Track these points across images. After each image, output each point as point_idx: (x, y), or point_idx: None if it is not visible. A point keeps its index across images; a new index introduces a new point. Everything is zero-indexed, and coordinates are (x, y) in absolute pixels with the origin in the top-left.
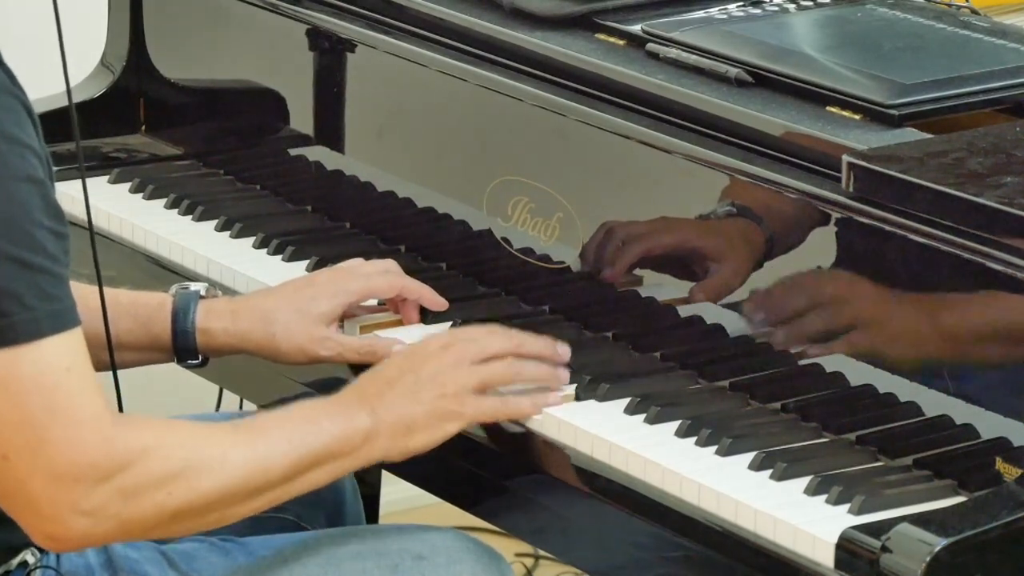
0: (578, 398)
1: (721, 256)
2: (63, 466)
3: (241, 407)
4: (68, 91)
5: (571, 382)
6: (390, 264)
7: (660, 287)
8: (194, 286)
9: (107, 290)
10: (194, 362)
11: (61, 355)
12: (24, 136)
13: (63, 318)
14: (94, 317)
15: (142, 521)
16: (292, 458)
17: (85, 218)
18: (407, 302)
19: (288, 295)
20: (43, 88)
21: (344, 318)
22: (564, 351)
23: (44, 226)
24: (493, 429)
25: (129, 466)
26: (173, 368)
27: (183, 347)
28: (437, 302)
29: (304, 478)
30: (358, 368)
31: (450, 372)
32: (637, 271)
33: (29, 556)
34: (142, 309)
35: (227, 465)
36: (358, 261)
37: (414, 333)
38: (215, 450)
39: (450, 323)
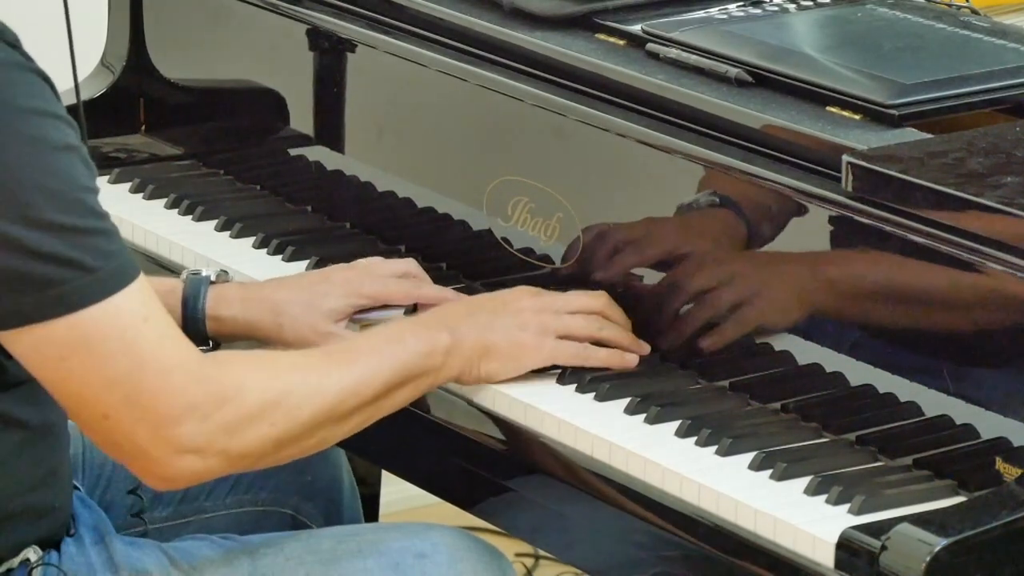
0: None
1: (720, 256)
2: (164, 413)
3: None
4: (76, 90)
5: (571, 382)
6: (410, 266)
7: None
8: (205, 271)
9: None
10: (205, 348)
11: (135, 307)
12: (52, 107)
13: (127, 272)
14: None
15: (249, 452)
16: (381, 377)
17: None
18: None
19: (302, 288)
20: None
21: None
22: (644, 346)
23: (89, 188)
24: (493, 428)
25: (228, 402)
26: None
27: (193, 333)
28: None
29: (393, 396)
30: None
31: (534, 313)
32: (637, 271)
33: (31, 554)
34: None
35: (323, 389)
36: (378, 261)
37: None
38: (310, 376)
39: None
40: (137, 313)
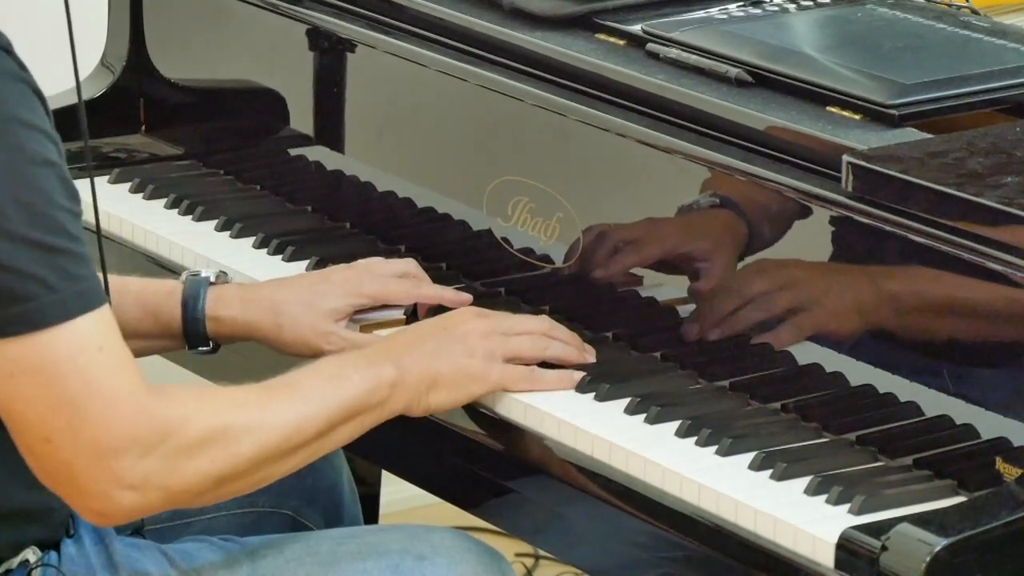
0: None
1: (720, 256)
2: (106, 443)
3: None
4: (78, 89)
5: None
6: (410, 266)
7: (660, 287)
8: (204, 272)
9: (117, 278)
10: (205, 349)
11: (92, 334)
12: (38, 120)
13: (90, 297)
14: None
15: (188, 489)
16: (325, 414)
17: (91, 218)
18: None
19: (301, 288)
20: (45, 88)
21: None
22: (590, 351)
23: (64, 208)
24: (493, 428)
25: (170, 436)
26: (171, 368)
27: (193, 334)
28: (460, 300)
29: (337, 432)
30: None
31: (480, 338)
32: (637, 271)
33: (30, 555)
34: (151, 297)
35: (265, 426)
36: (378, 260)
37: None
38: (252, 413)
39: None
40: (94, 340)
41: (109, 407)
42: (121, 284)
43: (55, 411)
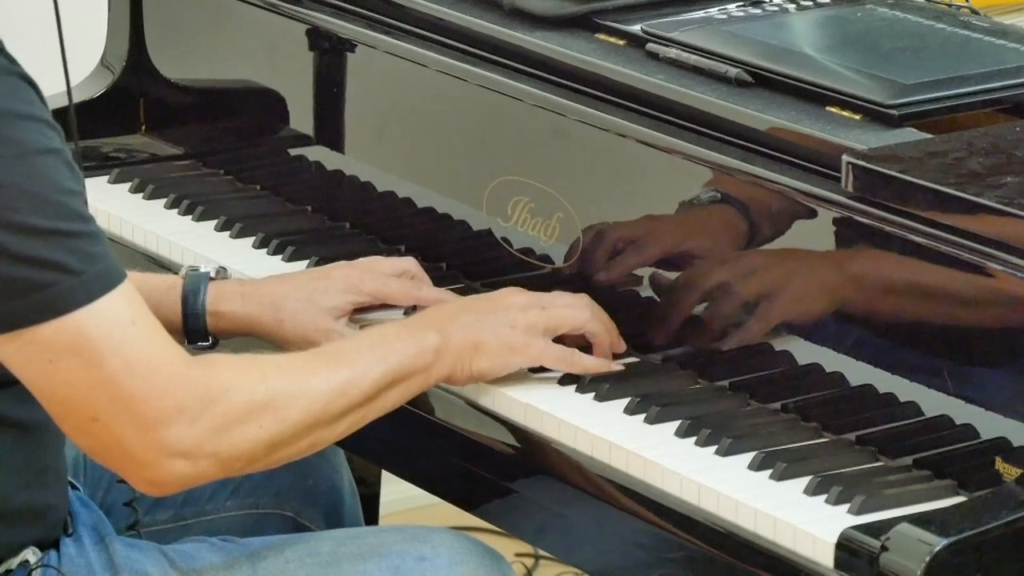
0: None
1: (720, 256)
2: (152, 415)
3: None
4: (68, 91)
5: (571, 382)
6: (409, 265)
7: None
8: (204, 267)
9: None
10: (204, 344)
11: (121, 310)
12: (35, 111)
13: (112, 274)
14: None
15: (239, 455)
16: (370, 379)
17: None
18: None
19: (301, 284)
20: (42, 88)
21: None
22: (621, 342)
23: (73, 191)
24: (493, 428)
25: (215, 404)
26: None
27: (193, 329)
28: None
29: (383, 397)
30: None
31: (521, 310)
32: (637, 271)
33: (30, 555)
34: (151, 292)
35: (311, 392)
36: (377, 259)
37: None
38: (297, 378)
39: None
40: (124, 315)
41: (150, 379)
42: None
43: (98, 390)
